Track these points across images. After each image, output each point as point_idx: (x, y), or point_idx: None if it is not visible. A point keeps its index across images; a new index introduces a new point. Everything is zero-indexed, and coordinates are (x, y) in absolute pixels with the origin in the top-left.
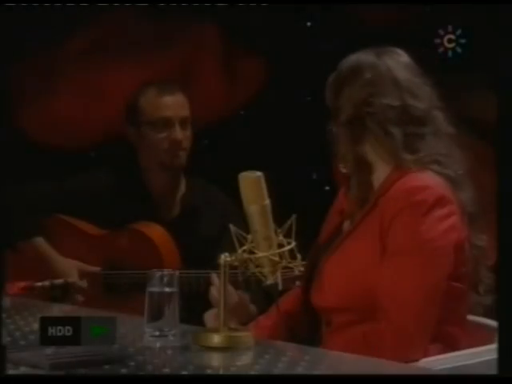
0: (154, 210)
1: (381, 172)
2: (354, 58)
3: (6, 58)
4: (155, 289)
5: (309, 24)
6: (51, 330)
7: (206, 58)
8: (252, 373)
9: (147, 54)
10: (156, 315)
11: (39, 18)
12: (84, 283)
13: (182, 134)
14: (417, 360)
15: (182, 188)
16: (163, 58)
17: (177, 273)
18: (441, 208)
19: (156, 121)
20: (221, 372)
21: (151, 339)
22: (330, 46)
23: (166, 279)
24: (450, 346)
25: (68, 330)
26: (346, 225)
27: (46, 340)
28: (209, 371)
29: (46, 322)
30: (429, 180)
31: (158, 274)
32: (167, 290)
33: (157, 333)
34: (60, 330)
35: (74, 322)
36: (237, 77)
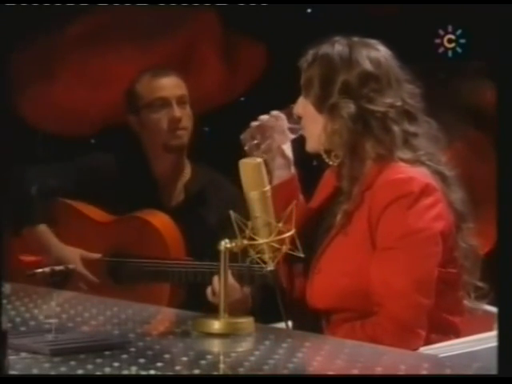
0: (158, 197)
1: (369, 168)
2: (346, 49)
3: (5, 46)
4: None
5: (309, 10)
6: None
7: (206, 45)
8: (252, 359)
9: (147, 41)
10: None
11: (39, 5)
12: (83, 270)
13: (179, 112)
14: (416, 348)
15: (187, 174)
16: (163, 45)
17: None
18: (427, 197)
19: (153, 102)
20: (221, 358)
21: None
22: (331, 32)
23: None
24: (453, 335)
25: None
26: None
27: None
28: (209, 357)
29: None
30: (411, 170)
31: None
32: None
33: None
34: None
35: None
36: (237, 64)
